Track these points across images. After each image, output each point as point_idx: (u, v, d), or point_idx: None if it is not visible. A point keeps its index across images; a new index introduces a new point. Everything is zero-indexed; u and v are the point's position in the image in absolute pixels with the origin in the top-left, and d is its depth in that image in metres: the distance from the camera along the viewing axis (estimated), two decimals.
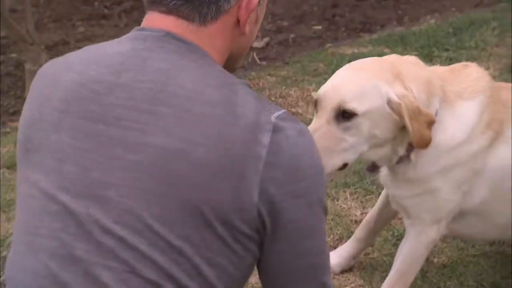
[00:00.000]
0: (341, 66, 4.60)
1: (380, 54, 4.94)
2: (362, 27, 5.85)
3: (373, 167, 2.62)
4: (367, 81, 2.34)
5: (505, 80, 4.55)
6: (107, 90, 1.48)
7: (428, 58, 4.92)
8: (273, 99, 4.54)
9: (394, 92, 2.30)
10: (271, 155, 1.44)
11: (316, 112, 2.36)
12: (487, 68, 4.70)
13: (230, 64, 1.68)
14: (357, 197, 3.63)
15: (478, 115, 2.51)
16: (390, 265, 3.10)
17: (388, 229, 3.30)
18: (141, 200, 1.42)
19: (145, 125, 1.44)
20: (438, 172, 2.51)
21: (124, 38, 1.59)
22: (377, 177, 2.81)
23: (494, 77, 4.54)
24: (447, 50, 5.06)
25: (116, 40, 1.63)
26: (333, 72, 4.60)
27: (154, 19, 1.57)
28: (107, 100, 1.47)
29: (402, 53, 4.86)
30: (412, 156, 2.47)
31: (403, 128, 2.35)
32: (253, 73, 5.00)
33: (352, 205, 3.58)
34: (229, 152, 1.42)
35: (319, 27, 5.90)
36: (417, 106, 2.30)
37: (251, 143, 1.43)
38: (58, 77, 1.54)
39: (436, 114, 2.42)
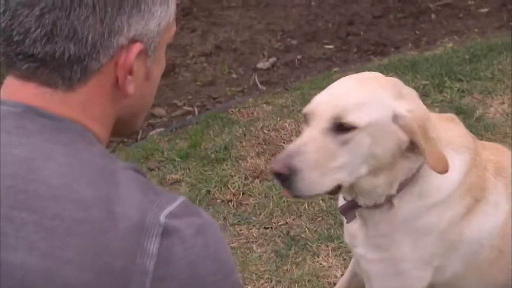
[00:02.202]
0: None
1: None
2: (375, 49, 5.42)
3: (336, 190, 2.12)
4: (371, 91, 2.01)
5: None
6: None
7: (439, 89, 4.54)
8: (265, 131, 4.20)
9: (401, 106, 1.97)
10: (161, 267, 1.13)
11: (308, 125, 1.99)
12: (502, 103, 4.29)
13: (125, 127, 1.39)
14: (340, 253, 3.26)
15: (463, 174, 2.17)
16: None
17: None
18: None
19: (4, 237, 1.12)
20: (410, 235, 2.17)
21: None
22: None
23: (507, 114, 4.17)
24: (460, 80, 4.63)
25: None
26: None
27: (12, 88, 1.24)
28: None
29: (411, 82, 4.54)
30: (395, 201, 2.11)
31: (404, 154, 2.03)
32: (250, 100, 4.65)
33: (333, 263, 3.22)
34: (107, 269, 1.11)
35: (331, 47, 5.48)
36: (429, 118, 2.00)
37: (134, 254, 1.12)
38: None
39: (419, 167, 2.10)
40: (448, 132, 2.20)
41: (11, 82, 1.24)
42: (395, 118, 1.96)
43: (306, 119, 2.02)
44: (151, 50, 1.30)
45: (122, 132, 1.40)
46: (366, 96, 1.98)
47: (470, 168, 2.19)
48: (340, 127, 1.93)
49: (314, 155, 1.91)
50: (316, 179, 1.92)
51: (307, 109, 2.01)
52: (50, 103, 1.21)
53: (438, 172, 2.01)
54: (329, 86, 2.07)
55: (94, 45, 1.20)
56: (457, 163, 2.16)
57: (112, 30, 1.21)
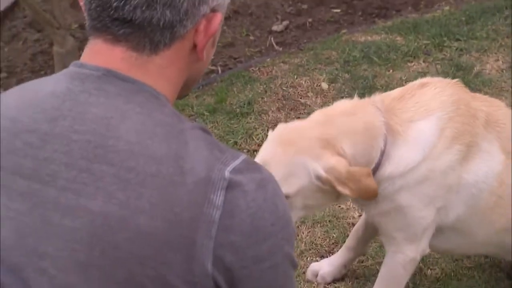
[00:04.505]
0: (353, 55, 4.33)
1: (393, 42, 4.56)
2: (379, 12, 5.35)
3: None
4: (294, 159, 2.09)
5: None
6: (41, 142, 1.17)
7: (439, 48, 4.53)
8: (284, 88, 4.18)
9: (321, 166, 2.05)
10: (225, 217, 1.13)
11: None
12: (497, 60, 4.27)
13: (184, 90, 1.36)
14: None
15: (435, 132, 2.20)
16: None
17: None
18: (78, 274, 1.12)
19: (83, 186, 1.13)
20: (401, 190, 2.22)
21: (61, 74, 1.25)
22: None
23: (502, 70, 4.16)
24: (458, 40, 4.61)
25: (53, 76, 1.27)
26: (344, 61, 4.29)
27: (97, 51, 1.23)
28: (41, 154, 1.16)
29: (414, 42, 4.52)
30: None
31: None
32: (268, 60, 4.60)
33: (351, 206, 3.22)
34: (176, 219, 1.11)
35: (338, 11, 5.41)
36: (347, 171, 2.06)
37: (201, 205, 1.12)
38: None
39: (382, 154, 2.16)
40: (411, 108, 2.23)
41: (96, 45, 1.23)
42: (317, 177, 2.06)
43: None
44: (222, 20, 1.29)
45: (179, 95, 1.37)
46: (291, 167, 2.07)
47: (447, 122, 2.20)
48: None
49: None
50: None
51: None
52: (132, 67, 1.21)
53: (369, 200, 2.17)
54: (259, 153, 2.19)
55: (186, 13, 1.19)
56: (423, 129, 2.20)
57: None
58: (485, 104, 2.36)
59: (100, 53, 1.22)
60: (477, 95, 2.52)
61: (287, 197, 2.02)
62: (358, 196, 2.10)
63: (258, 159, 2.12)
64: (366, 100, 2.28)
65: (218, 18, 1.24)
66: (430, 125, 2.19)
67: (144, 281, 1.11)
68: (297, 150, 2.08)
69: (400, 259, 2.38)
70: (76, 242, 1.12)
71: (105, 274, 1.12)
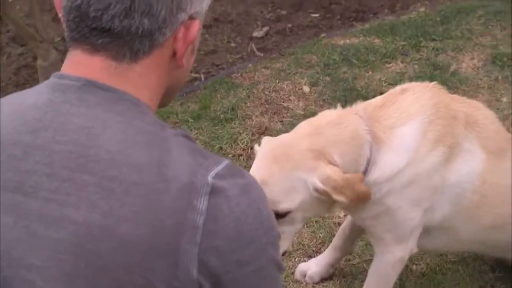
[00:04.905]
0: (333, 58, 4.33)
1: (371, 44, 4.57)
2: (356, 15, 5.35)
3: None
4: (291, 175, 2.05)
5: (488, 72, 4.16)
6: (24, 153, 1.15)
7: (416, 48, 4.54)
8: (266, 93, 4.17)
9: (317, 177, 2.03)
10: (209, 222, 1.12)
11: None
12: (472, 58, 4.29)
13: (166, 98, 1.34)
14: None
15: (417, 136, 2.19)
16: None
17: None
18: (64, 285, 1.11)
19: (66, 196, 1.11)
20: (388, 194, 2.21)
21: (43, 86, 1.24)
22: None
23: (477, 68, 4.18)
24: (434, 40, 4.63)
25: (35, 88, 1.25)
26: (324, 65, 4.29)
27: (77, 61, 1.21)
28: (24, 166, 1.15)
29: (391, 43, 4.53)
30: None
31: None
32: (250, 65, 4.59)
33: None
34: (160, 226, 1.10)
35: (317, 15, 5.41)
36: (342, 179, 2.04)
37: (185, 211, 1.11)
38: None
39: (367, 162, 2.16)
40: (393, 114, 2.23)
41: (76, 55, 1.21)
42: (315, 190, 2.03)
43: None
44: (200, 27, 1.28)
45: (161, 104, 1.36)
46: (286, 183, 2.04)
47: (428, 125, 2.20)
48: (277, 213, 2.01)
49: None
50: None
51: None
52: (112, 76, 1.19)
53: (363, 204, 2.14)
54: (258, 167, 2.10)
55: (164, 20, 1.18)
56: (405, 135, 2.19)
57: (180, 6, 1.19)
58: (464, 105, 2.36)
59: (79, 63, 1.21)
60: (456, 96, 2.52)
61: (289, 212, 2.05)
62: (354, 202, 2.08)
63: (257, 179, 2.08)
64: (349, 109, 2.27)
65: (196, 25, 1.23)
66: (412, 129, 2.19)
67: None
68: (293, 165, 2.05)
69: (389, 259, 2.38)
70: (61, 253, 1.11)
71: (91, 284, 1.10)
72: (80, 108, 1.16)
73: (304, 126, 2.20)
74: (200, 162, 1.16)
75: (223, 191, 1.14)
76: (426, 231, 2.36)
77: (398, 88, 2.35)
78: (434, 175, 2.22)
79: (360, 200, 2.09)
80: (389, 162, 2.17)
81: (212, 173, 1.14)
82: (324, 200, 2.07)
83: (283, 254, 2.16)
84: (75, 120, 1.15)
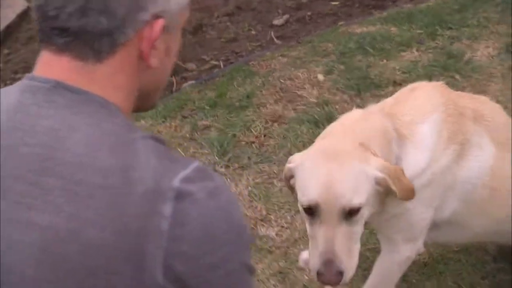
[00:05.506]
0: (349, 47, 4.24)
1: (387, 32, 4.47)
2: (375, 3, 5.21)
3: None
4: (353, 169, 1.91)
5: (503, 60, 4.04)
6: None
7: (432, 37, 4.43)
8: (281, 81, 4.10)
9: (374, 167, 1.92)
10: (175, 227, 1.07)
11: (316, 215, 1.93)
12: (487, 47, 4.17)
13: (145, 101, 1.32)
14: None
15: (435, 135, 2.13)
16: (373, 262, 2.71)
17: None
18: None
19: (33, 200, 1.08)
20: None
21: (14, 87, 1.21)
22: None
23: (492, 56, 4.06)
24: (450, 28, 4.51)
25: (6, 89, 1.24)
26: (340, 53, 4.21)
27: (47, 62, 1.18)
28: None
29: (407, 32, 4.42)
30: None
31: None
32: (268, 53, 4.52)
33: None
34: (125, 230, 1.06)
35: (336, 3, 5.30)
36: (397, 169, 1.96)
37: (150, 216, 1.07)
38: None
39: (395, 157, 2.06)
40: (410, 111, 2.16)
41: (45, 56, 1.18)
42: (375, 180, 1.92)
43: (311, 211, 1.94)
44: (171, 28, 1.24)
45: (141, 106, 1.33)
46: (352, 176, 1.90)
47: (442, 123, 2.14)
48: (350, 212, 1.90)
49: (341, 247, 1.91)
50: (349, 264, 1.93)
51: (309, 202, 1.92)
52: (79, 77, 1.16)
53: (407, 200, 2.01)
54: (315, 172, 1.94)
55: (122, 19, 1.15)
56: (425, 133, 2.12)
57: (139, 5, 1.16)
58: (471, 101, 2.31)
59: (48, 64, 1.18)
60: (462, 93, 2.48)
61: (360, 208, 1.91)
62: (401, 197, 1.97)
63: (319, 185, 1.92)
64: (370, 108, 2.23)
65: (159, 24, 1.19)
66: (430, 127, 2.12)
67: None
68: (351, 158, 1.92)
69: (396, 258, 2.31)
70: (29, 257, 1.07)
71: (56, 287, 1.07)
72: (48, 110, 1.13)
73: (335, 127, 2.14)
74: (167, 166, 1.12)
75: (190, 195, 1.09)
76: (435, 226, 2.28)
77: (408, 87, 2.32)
78: (447, 174, 2.16)
79: (406, 195, 1.98)
80: (413, 161, 2.08)
81: (179, 177, 1.10)
82: (381, 193, 1.97)
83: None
84: (44, 122, 1.12)
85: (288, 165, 2.06)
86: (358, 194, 1.90)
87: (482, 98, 2.46)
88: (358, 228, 1.96)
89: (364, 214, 1.96)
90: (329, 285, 2.10)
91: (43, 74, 1.17)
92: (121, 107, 1.20)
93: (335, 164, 1.91)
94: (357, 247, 1.98)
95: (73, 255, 1.06)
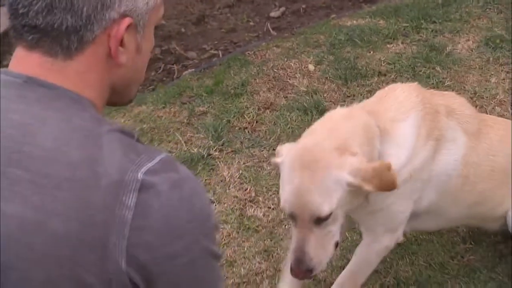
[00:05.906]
0: (339, 38, 4.35)
1: (375, 25, 4.58)
2: None
3: None
4: (323, 178, 1.96)
5: (481, 53, 4.14)
6: None
7: (416, 30, 4.52)
8: (275, 70, 4.21)
9: (348, 171, 1.95)
10: (138, 217, 1.09)
11: (295, 224, 2.05)
12: (467, 40, 4.28)
13: (120, 96, 1.33)
14: None
15: (414, 132, 2.20)
16: (352, 242, 2.86)
17: None
18: (2, 277, 1.08)
19: (1, 191, 1.09)
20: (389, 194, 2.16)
21: None
22: None
23: (471, 49, 4.17)
24: (434, 22, 4.59)
25: None
26: (330, 44, 4.31)
27: (19, 58, 1.21)
28: None
29: (394, 25, 4.53)
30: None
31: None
32: (263, 44, 4.62)
33: None
34: (90, 221, 1.08)
35: None
36: (370, 168, 1.97)
37: (114, 207, 1.08)
38: None
39: (378, 154, 2.12)
40: (391, 108, 2.23)
41: (19, 52, 1.20)
42: (348, 185, 1.96)
43: (287, 215, 2.08)
44: (141, 26, 1.25)
45: (117, 101, 1.34)
46: (322, 185, 1.95)
47: (421, 120, 2.21)
48: (319, 218, 1.98)
49: (316, 248, 2.00)
50: (323, 258, 2.04)
51: (283, 207, 2.03)
52: (50, 72, 1.17)
53: (388, 191, 2.03)
54: (290, 178, 2.00)
55: (88, 17, 1.16)
56: (405, 130, 2.19)
57: (105, 4, 1.17)
58: (442, 98, 2.39)
59: (21, 60, 1.20)
60: (434, 91, 2.55)
61: (331, 213, 1.97)
62: (379, 190, 2.01)
63: (291, 192, 1.99)
64: (354, 106, 2.29)
65: (125, 23, 1.20)
66: (410, 125, 2.19)
67: (61, 281, 1.08)
68: (322, 167, 1.96)
69: (375, 248, 2.37)
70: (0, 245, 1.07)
71: (23, 276, 1.08)
72: (19, 104, 1.15)
73: (319, 126, 2.18)
74: (131, 159, 1.13)
75: (153, 187, 1.11)
76: (414, 215, 2.36)
77: (386, 88, 2.39)
78: (425, 168, 2.24)
79: (388, 187, 2.01)
80: (394, 157, 2.12)
81: (143, 169, 1.11)
82: (358, 192, 2.02)
83: (336, 246, 2.10)
84: (14, 117, 1.13)
85: (274, 160, 2.13)
86: (327, 202, 1.95)
87: (452, 94, 2.54)
88: (332, 227, 2.03)
89: (338, 215, 2.02)
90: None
91: (16, 69, 1.19)
92: (94, 102, 1.22)
93: (308, 172, 1.96)
94: (333, 242, 2.06)
95: (39, 245, 1.07)
